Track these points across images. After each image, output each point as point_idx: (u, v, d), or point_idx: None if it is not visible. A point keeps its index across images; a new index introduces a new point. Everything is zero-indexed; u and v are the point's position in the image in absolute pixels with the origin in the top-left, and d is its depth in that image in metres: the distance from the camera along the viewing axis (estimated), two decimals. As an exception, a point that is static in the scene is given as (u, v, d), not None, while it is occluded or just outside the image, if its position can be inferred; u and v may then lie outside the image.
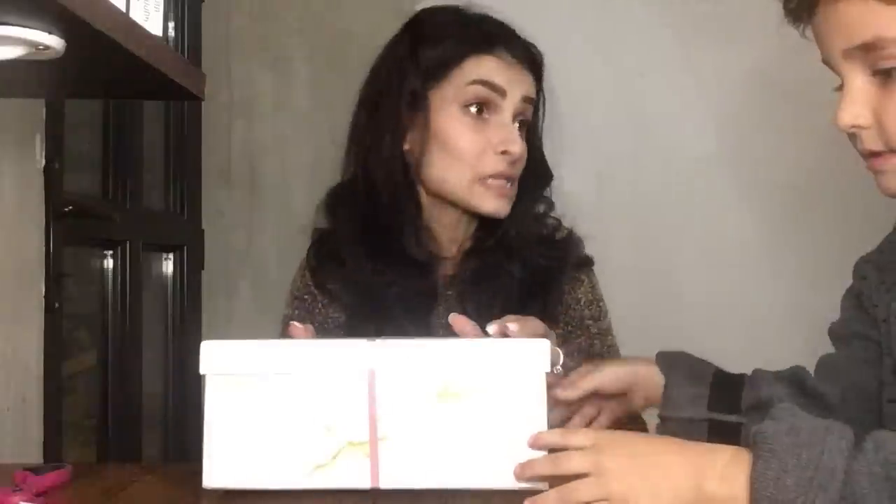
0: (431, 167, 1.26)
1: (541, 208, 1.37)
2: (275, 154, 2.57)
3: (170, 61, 1.05)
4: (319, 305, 1.37)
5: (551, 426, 0.88)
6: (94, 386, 2.07)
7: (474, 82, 1.23)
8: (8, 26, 0.85)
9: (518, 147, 1.23)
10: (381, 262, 1.28)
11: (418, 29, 1.31)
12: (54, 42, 0.89)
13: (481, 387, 0.83)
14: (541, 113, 1.35)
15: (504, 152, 1.22)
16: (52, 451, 1.69)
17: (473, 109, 1.23)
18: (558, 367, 0.96)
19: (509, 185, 1.25)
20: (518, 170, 1.26)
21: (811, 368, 1.16)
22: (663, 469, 0.81)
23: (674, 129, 2.39)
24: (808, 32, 0.92)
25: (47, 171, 1.70)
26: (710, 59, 2.37)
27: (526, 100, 1.28)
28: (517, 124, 1.27)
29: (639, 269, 2.36)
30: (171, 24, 1.13)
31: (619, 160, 2.40)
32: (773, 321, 2.31)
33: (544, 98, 1.35)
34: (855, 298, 1.13)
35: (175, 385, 2.41)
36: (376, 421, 0.83)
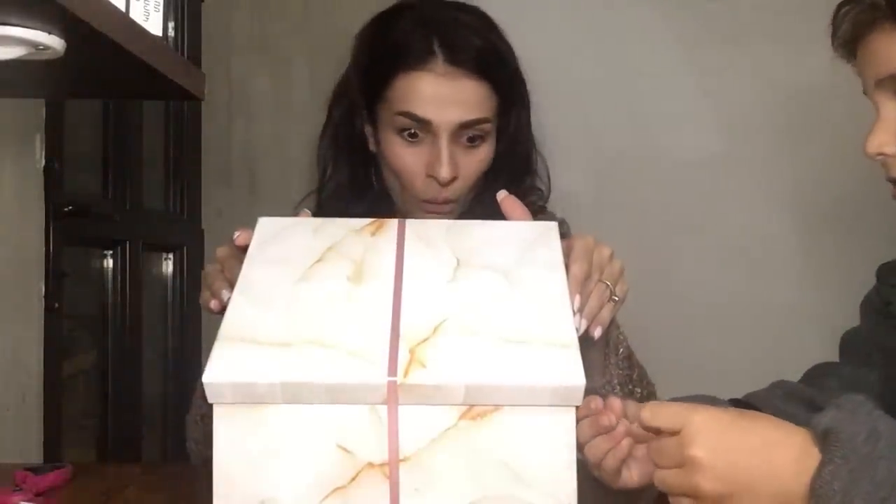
0: (387, 178, 1.27)
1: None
2: (274, 154, 2.57)
3: (170, 61, 1.05)
4: None
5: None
6: (94, 386, 2.07)
7: (399, 114, 1.18)
8: (8, 26, 0.85)
9: (445, 171, 1.18)
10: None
11: (356, 46, 1.27)
12: (54, 42, 0.88)
13: (509, 405, 0.81)
14: (518, 108, 1.27)
15: (430, 176, 1.20)
16: (52, 450, 1.70)
17: (406, 135, 1.20)
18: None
19: (447, 206, 1.23)
20: (455, 190, 1.21)
21: (804, 367, 1.14)
22: (754, 476, 0.74)
23: (674, 129, 2.39)
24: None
25: (47, 170, 1.70)
26: (710, 60, 2.37)
27: (465, 125, 1.19)
28: (465, 142, 1.20)
29: (638, 269, 2.33)
30: (171, 24, 1.13)
31: (619, 160, 2.40)
32: (773, 321, 2.31)
33: (520, 88, 1.27)
34: (882, 307, 1.08)
35: (175, 385, 2.41)
36: (397, 440, 0.81)
